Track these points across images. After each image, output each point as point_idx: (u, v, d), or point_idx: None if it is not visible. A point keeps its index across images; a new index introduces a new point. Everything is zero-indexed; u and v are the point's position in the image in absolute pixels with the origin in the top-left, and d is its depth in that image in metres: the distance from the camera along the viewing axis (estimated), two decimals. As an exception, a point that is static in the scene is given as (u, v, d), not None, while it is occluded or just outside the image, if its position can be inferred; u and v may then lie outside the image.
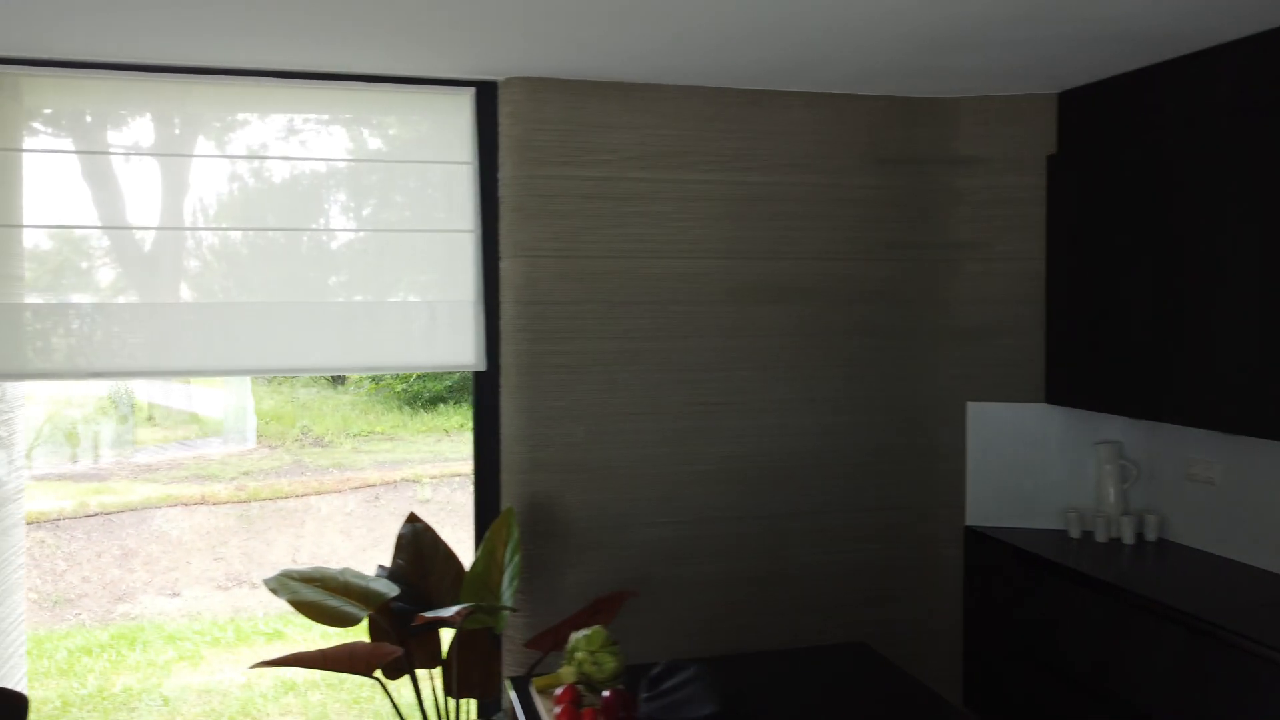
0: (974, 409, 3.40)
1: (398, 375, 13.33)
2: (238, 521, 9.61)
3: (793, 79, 3.11)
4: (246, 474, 10.69)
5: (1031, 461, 3.37)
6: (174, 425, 11.79)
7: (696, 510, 3.23)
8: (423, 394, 14.31)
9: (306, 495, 10.19)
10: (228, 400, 12.20)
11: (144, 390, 11.20)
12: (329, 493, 10.29)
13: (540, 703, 2.06)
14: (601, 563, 3.15)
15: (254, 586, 8.85)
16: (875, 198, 3.34)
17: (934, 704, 2.22)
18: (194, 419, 12.26)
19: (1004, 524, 3.39)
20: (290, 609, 2.75)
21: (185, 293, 2.94)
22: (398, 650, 2.55)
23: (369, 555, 9.62)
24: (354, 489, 10.40)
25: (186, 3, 2.27)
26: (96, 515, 9.28)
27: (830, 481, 3.35)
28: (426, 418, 13.71)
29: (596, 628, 2.10)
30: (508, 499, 3.12)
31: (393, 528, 10.76)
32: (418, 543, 3.04)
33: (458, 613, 2.48)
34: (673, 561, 3.21)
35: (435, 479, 10.70)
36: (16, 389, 3.08)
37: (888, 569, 3.42)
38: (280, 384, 13.05)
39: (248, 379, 11.64)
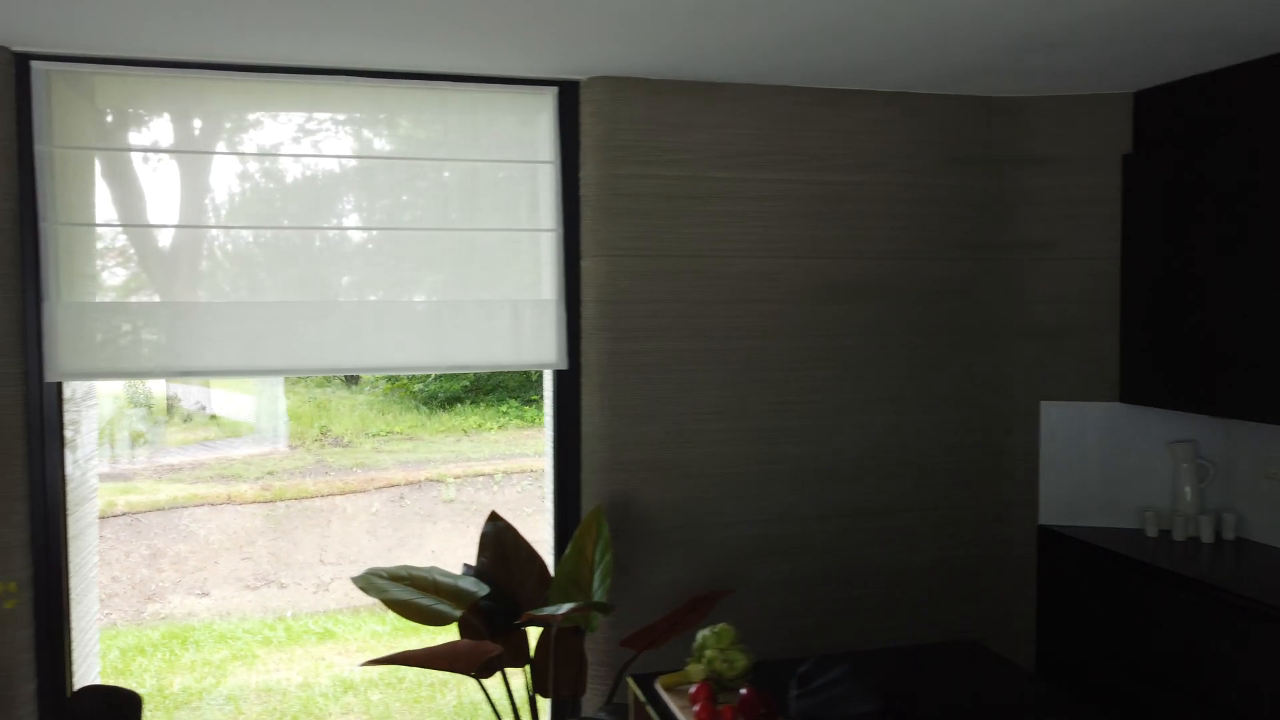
0: (1048, 408, 3.40)
1: (413, 375, 13.34)
2: (264, 521, 9.61)
3: (870, 78, 3.11)
4: (271, 474, 10.69)
5: (1105, 461, 3.37)
6: (195, 427, 11.79)
7: (774, 509, 3.23)
8: (439, 394, 14.33)
9: (331, 495, 10.19)
10: (260, 402, 12.20)
11: (161, 390, 11.19)
12: (353, 493, 10.30)
13: (671, 700, 2.06)
14: (680, 562, 3.15)
15: (282, 586, 8.86)
16: (950, 197, 3.35)
17: (1071, 701, 2.23)
18: (213, 420, 12.27)
19: (1078, 523, 3.39)
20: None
21: (270, 292, 2.94)
22: (499, 648, 2.56)
23: (395, 555, 9.63)
24: (378, 489, 10.40)
25: (276, 2, 2.27)
26: (124, 515, 9.29)
27: (904, 481, 3.36)
28: (445, 418, 13.72)
29: (724, 626, 2.10)
30: (588, 497, 3.13)
31: (418, 527, 10.78)
32: (500, 541, 3.04)
33: (573, 609, 2.48)
34: (750, 560, 3.22)
35: (459, 479, 10.70)
36: (83, 389, 3.08)
37: (961, 568, 3.42)
38: (295, 383, 13.06)
39: (280, 381, 11.66)
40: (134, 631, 5.49)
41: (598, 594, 2.80)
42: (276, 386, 11.98)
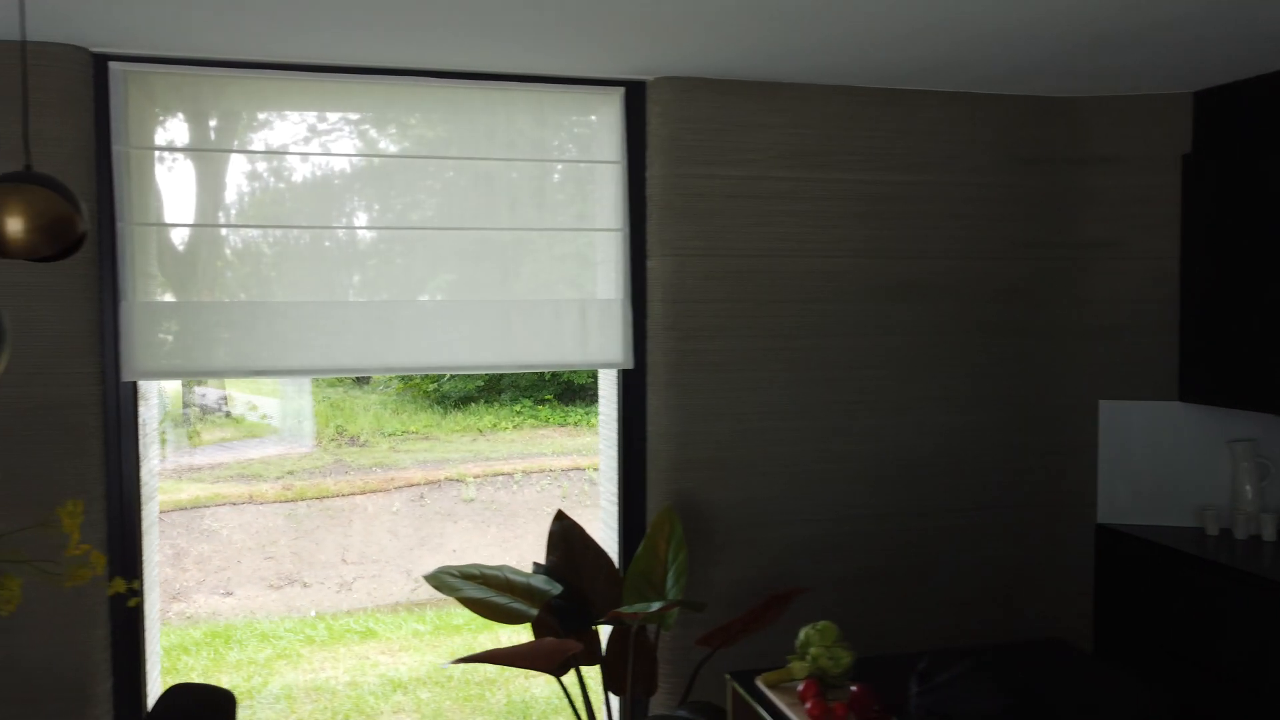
0: (1106, 407, 3.42)
1: (426, 375, 13.35)
2: (286, 521, 9.63)
3: (931, 79, 3.13)
4: (291, 473, 10.71)
5: (1164, 459, 3.39)
6: (213, 427, 11.80)
7: (836, 508, 3.25)
8: (452, 394, 14.36)
9: (352, 495, 10.20)
10: (284, 403, 12.21)
11: (173, 388, 11.20)
12: (374, 492, 10.31)
13: (776, 698, 2.07)
14: (743, 560, 3.17)
15: (305, 586, 8.87)
16: (1009, 196, 3.36)
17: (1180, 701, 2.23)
18: (233, 420, 12.28)
19: (1136, 522, 3.40)
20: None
21: (340, 292, 2.95)
22: (579, 646, 2.57)
23: (417, 555, 9.64)
24: (398, 488, 10.42)
25: (346, 4, 2.29)
26: (147, 514, 9.28)
27: (964, 479, 3.37)
28: (459, 417, 13.73)
29: (827, 623, 2.11)
30: (653, 496, 3.14)
31: (439, 527, 10.79)
32: (568, 540, 3.05)
33: (664, 607, 2.49)
34: (812, 559, 3.23)
35: (479, 478, 10.71)
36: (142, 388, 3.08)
37: (1019, 567, 3.44)
38: (306, 382, 13.07)
39: (308, 382, 11.68)
40: (175, 631, 5.49)
41: (672, 592, 2.82)
42: (304, 387, 11.99)
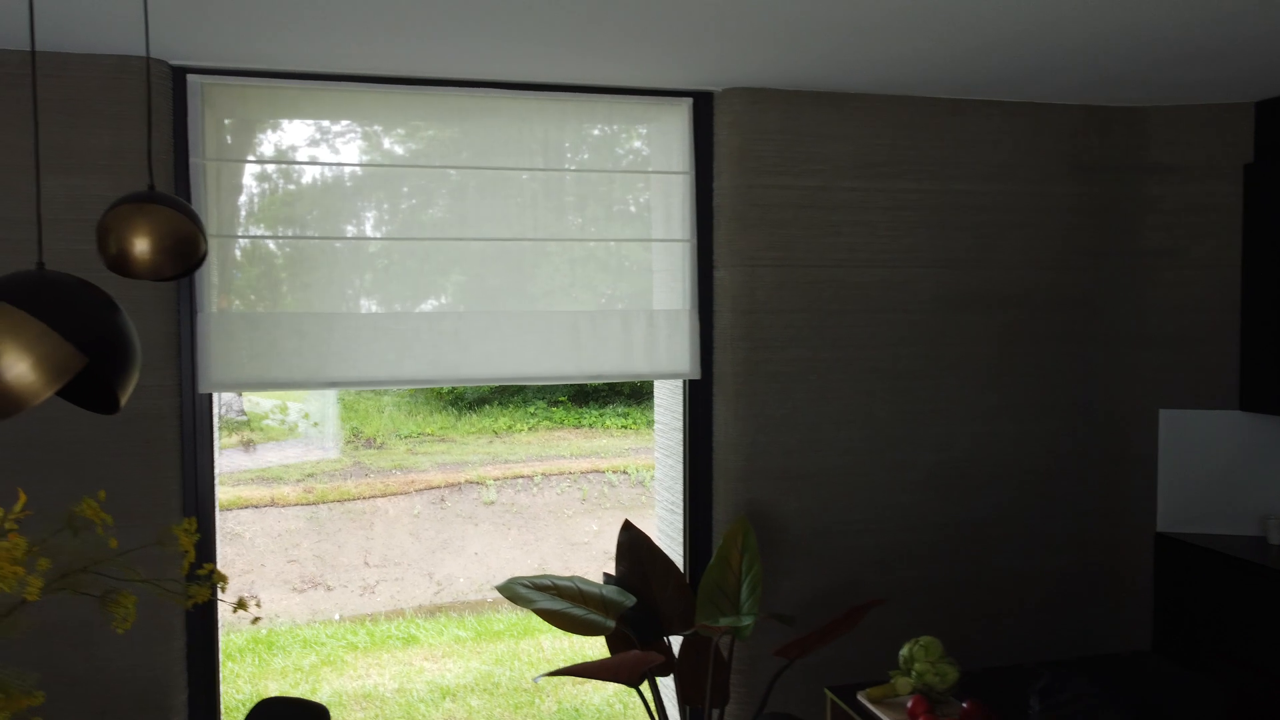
0: (1167, 416, 3.42)
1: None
2: (308, 524, 9.63)
3: (997, 90, 3.13)
4: (311, 475, 10.71)
5: (1224, 468, 3.39)
6: (233, 430, 11.79)
7: (902, 517, 3.25)
8: (466, 395, 14.38)
9: (373, 497, 10.21)
10: (309, 408, 12.21)
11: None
12: (394, 494, 10.31)
13: (882, 713, 2.07)
14: (812, 570, 3.17)
15: (329, 589, 8.88)
16: (1072, 206, 3.37)
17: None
18: (247, 424, 12.28)
19: (1196, 530, 3.41)
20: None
21: (411, 302, 2.95)
22: (662, 658, 2.57)
23: (439, 558, 9.64)
24: (418, 490, 10.42)
25: (411, 16, 2.29)
26: (169, 518, 9.28)
27: (1026, 488, 3.38)
28: (474, 419, 13.74)
29: (931, 639, 2.12)
30: (720, 506, 3.14)
31: (460, 529, 10.79)
32: (636, 550, 3.05)
33: (756, 620, 2.50)
34: (879, 568, 3.24)
35: (498, 481, 10.71)
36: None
37: (1079, 575, 3.44)
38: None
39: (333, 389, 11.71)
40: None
41: (746, 605, 2.82)
42: (330, 395, 11.98)
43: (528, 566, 9.48)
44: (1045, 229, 3.34)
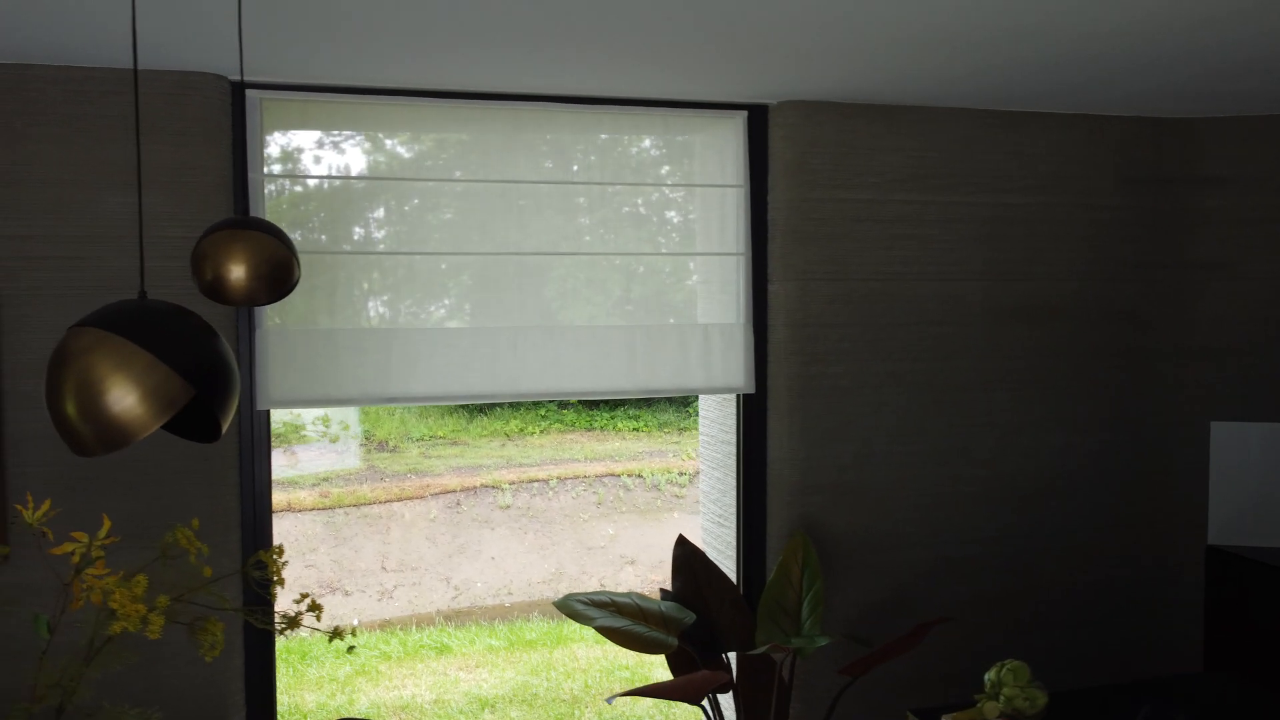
0: (1218, 428, 3.41)
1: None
2: (324, 528, 9.62)
3: (1050, 101, 3.12)
4: (327, 480, 10.69)
5: (1276, 481, 3.38)
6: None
7: (955, 532, 3.24)
8: (477, 397, 14.29)
9: (389, 501, 10.19)
10: (346, 416, 12.23)
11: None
12: (410, 499, 10.30)
13: (970, 738, 2.07)
14: (867, 585, 3.16)
15: (346, 594, 8.87)
16: (1124, 218, 3.35)
17: None
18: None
19: (1248, 543, 3.39)
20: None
21: (470, 318, 2.94)
22: (729, 677, 2.56)
23: (455, 562, 9.63)
24: (434, 495, 10.40)
25: (465, 32, 2.27)
26: (187, 523, 9.27)
27: (1076, 501, 3.37)
28: (485, 421, 13.71)
29: (1019, 663, 2.11)
30: (774, 521, 3.13)
31: (476, 534, 10.77)
32: (691, 566, 3.03)
33: (830, 641, 2.49)
34: (931, 583, 3.22)
35: (513, 484, 10.70)
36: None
37: (1129, 589, 3.43)
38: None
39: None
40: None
41: (808, 622, 2.81)
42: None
43: (544, 571, 9.47)
44: (1096, 241, 3.33)
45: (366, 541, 9.54)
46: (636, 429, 13.66)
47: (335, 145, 2.88)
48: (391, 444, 12.54)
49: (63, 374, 1.42)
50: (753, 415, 3.15)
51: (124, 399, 1.40)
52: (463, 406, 14.01)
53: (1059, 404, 3.33)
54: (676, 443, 12.81)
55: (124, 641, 1.83)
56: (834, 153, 3.06)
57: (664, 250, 3.12)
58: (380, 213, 2.90)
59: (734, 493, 3.28)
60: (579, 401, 14.42)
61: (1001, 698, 2.03)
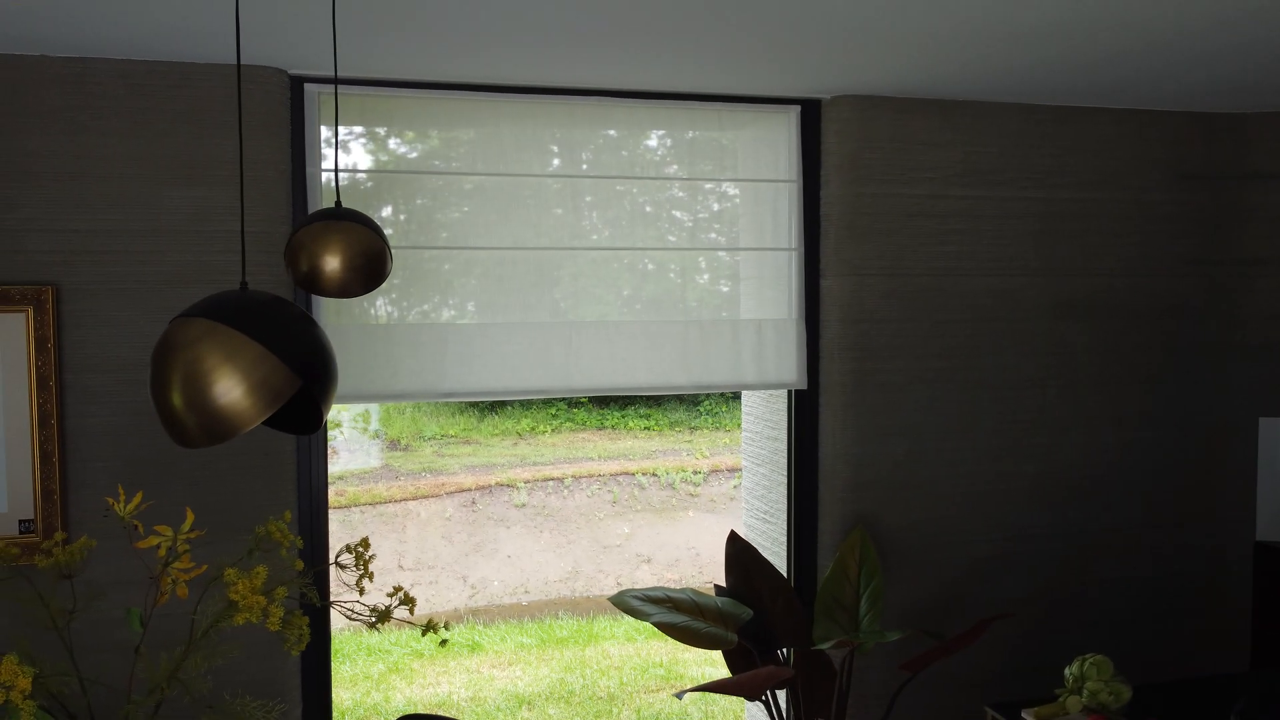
0: (1266, 424, 3.39)
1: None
2: (340, 527, 9.60)
3: (1104, 96, 3.11)
4: (341, 478, 10.67)
5: (1326, 477, 3.37)
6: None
7: (1007, 528, 3.23)
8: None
9: (404, 500, 10.19)
10: (350, 416, 12.21)
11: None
12: (425, 497, 10.29)
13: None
14: (920, 581, 3.15)
15: (363, 593, 8.85)
16: (1175, 213, 3.34)
17: None
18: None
19: (1297, 539, 3.38)
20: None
21: (522, 313, 2.93)
22: (791, 673, 2.55)
23: (472, 561, 9.62)
24: (449, 493, 10.40)
25: (518, 28, 2.26)
26: (203, 521, 9.27)
27: (1127, 497, 3.36)
28: (496, 420, 13.70)
29: (1102, 657, 2.10)
30: (826, 518, 3.12)
31: (492, 532, 10.75)
32: (742, 562, 3.02)
33: (904, 635, 2.48)
34: (984, 580, 3.21)
35: (529, 483, 10.69)
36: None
37: (1179, 585, 3.42)
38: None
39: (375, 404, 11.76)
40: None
41: (866, 618, 2.80)
42: (372, 407, 11.95)
43: (561, 570, 9.47)
44: (1148, 237, 3.32)
45: (383, 540, 9.53)
46: (647, 428, 13.66)
47: (385, 138, 2.87)
48: (404, 443, 12.53)
49: (170, 364, 1.40)
50: (804, 411, 3.14)
51: (232, 390, 1.39)
52: (473, 405, 14.01)
53: (1111, 400, 3.32)
54: (689, 441, 12.81)
55: (213, 633, 1.82)
56: (888, 148, 3.05)
57: (717, 246, 3.10)
58: (429, 207, 2.88)
59: (779, 489, 3.27)
60: (589, 400, 14.41)
61: (1085, 692, 2.02)
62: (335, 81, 1.72)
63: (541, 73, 2.73)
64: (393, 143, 2.89)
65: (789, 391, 3.17)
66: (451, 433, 13.15)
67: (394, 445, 12.52)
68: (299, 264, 1.67)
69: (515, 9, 2.11)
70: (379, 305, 2.85)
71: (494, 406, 13.82)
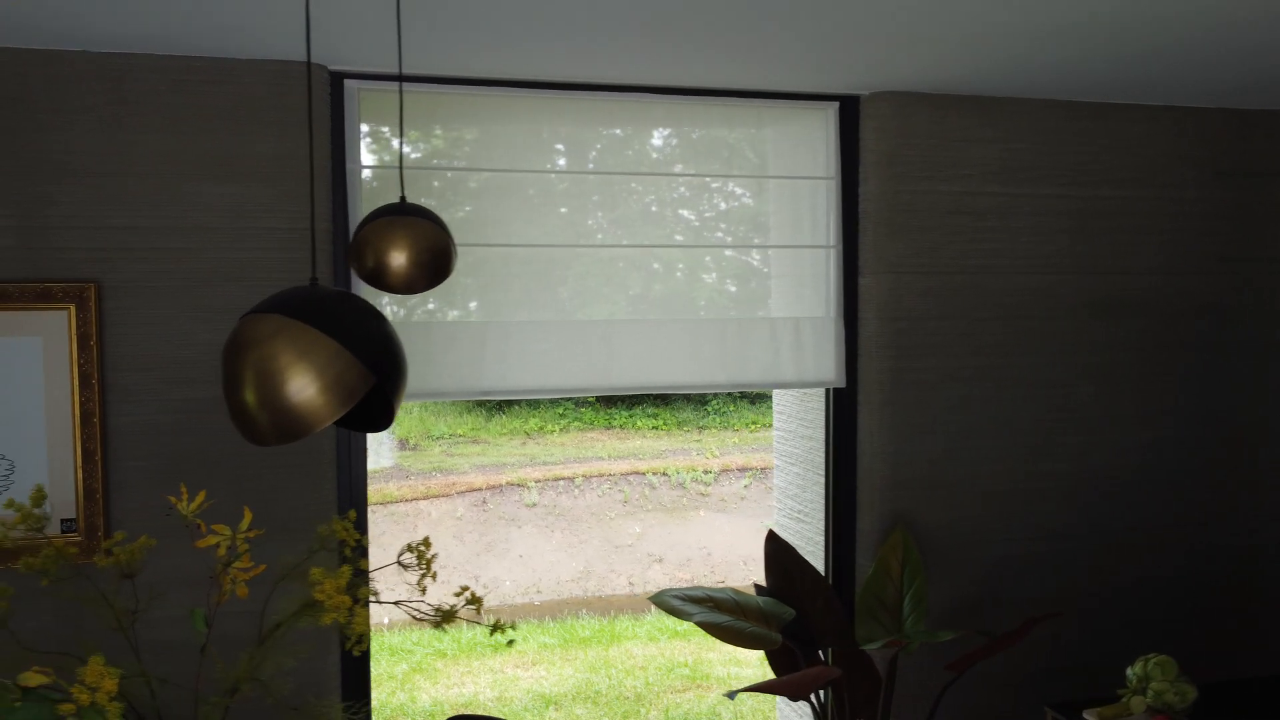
0: (1303, 422, 3.38)
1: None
2: (352, 526, 9.58)
3: (1139, 93, 3.09)
4: (352, 478, 10.66)
5: (1362, 475, 3.35)
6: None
7: (1040, 527, 3.22)
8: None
9: (415, 499, 10.17)
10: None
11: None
12: (435, 497, 10.27)
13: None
14: (957, 580, 3.13)
15: (375, 592, 8.83)
16: (1210, 211, 3.33)
17: None
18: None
19: (1334, 538, 3.37)
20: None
21: (561, 311, 2.91)
22: (839, 673, 2.53)
23: (483, 560, 9.60)
24: (460, 493, 10.38)
25: (559, 23, 2.25)
26: (214, 521, 9.26)
27: (1160, 497, 3.34)
28: (503, 420, 13.67)
29: (1165, 657, 2.08)
30: (864, 517, 3.10)
31: (503, 532, 10.73)
32: (781, 562, 3.00)
33: (957, 636, 2.46)
34: (1018, 580, 3.20)
35: (539, 482, 10.67)
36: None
37: (1215, 585, 3.41)
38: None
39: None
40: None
41: (909, 619, 2.78)
42: None
43: (573, 569, 9.45)
44: (1182, 234, 3.31)
45: (394, 540, 9.50)
46: (655, 427, 13.64)
47: (428, 136, 2.85)
48: (412, 442, 12.51)
49: (242, 361, 1.38)
50: (842, 409, 3.13)
51: (306, 389, 1.36)
52: (480, 404, 14.00)
53: (1145, 399, 3.31)
54: (698, 440, 12.79)
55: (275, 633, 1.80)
56: (926, 145, 3.04)
57: (755, 243, 3.09)
58: (461, 204, 2.86)
59: (814, 488, 3.26)
60: (597, 399, 14.38)
61: (1150, 692, 2.00)
62: (400, 79, 1.70)
63: (579, 69, 2.71)
64: (437, 133, 2.87)
65: (827, 390, 3.15)
66: (460, 432, 13.13)
67: (403, 444, 12.50)
68: (365, 259, 1.65)
69: (552, 4, 2.09)
70: (413, 302, 2.83)
71: (502, 406, 13.80)
